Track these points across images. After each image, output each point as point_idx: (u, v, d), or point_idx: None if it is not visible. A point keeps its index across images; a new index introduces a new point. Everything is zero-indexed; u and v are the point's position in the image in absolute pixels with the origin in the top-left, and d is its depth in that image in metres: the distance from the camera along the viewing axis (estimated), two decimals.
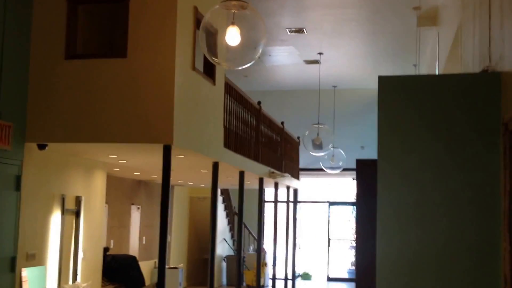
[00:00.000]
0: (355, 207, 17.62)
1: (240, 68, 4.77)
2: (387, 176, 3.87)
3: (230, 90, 9.14)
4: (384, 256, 3.81)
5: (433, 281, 3.71)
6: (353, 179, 16.17)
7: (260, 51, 4.48)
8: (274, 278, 12.85)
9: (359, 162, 4.85)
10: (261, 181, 11.46)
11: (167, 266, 6.46)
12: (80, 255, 7.74)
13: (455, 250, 3.70)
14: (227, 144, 8.79)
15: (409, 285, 3.75)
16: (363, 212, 4.83)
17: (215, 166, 8.42)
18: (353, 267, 17.37)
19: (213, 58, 4.61)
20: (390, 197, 3.84)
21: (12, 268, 6.43)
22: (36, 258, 6.87)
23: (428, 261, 3.74)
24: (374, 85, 16.12)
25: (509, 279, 3.32)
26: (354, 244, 17.53)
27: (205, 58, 7.79)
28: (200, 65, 7.56)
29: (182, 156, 7.52)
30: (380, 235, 3.83)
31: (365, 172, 4.83)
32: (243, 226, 10.51)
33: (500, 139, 3.65)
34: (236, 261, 14.89)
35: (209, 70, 7.92)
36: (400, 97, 3.96)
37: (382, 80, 3.95)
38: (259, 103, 11.25)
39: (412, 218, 3.81)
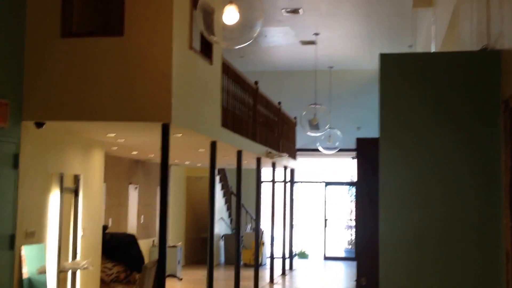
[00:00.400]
0: (354, 186, 17.81)
1: (238, 46, 4.77)
2: (388, 155, 3.89)
3: (227, 70, 9.12)
4: (386, 234, 3.85)
5: (436, 258, 3.75)
6: (353, 158, 16.24)
7: (258, 30, 4.48)
8: (272, 257, 12.95)
9: (359, 141, 4.86)
10: (258, 160, 11.49)
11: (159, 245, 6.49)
12: (79, 233, 7.77)
13: (457, 227, 3.74)
14: (225, 124, 8.79)
15: (412, 262, 3.79)
16: (363, 190, 4.86)
17: (213, 145, 8.44)
18: (350, 246, 17.54)
19: (211, 36, 4.61)
20: (392, 176, 3.87)
21: (12, 245, 6.46)
22: (36, 236, 6.90)
23: (430, 239, 3.78)
24: (369, 66, 16.23)
25: (511, 255, 3.36)
26: (351, 223, 17.68)
27: (202, 37, 7.77)
28: (197, 45, 7.53)
29: (180, 135, 7.53)
30: (382, 214, 3.86)
31: (365, 150, 4.84)
32: (241, 205, 10.56)
33: (500, 116, 3.66)
34: (234, 240, 15.03)
35: (206, 50, 7.89)
36: (401, 75, 3.97)
37: (383, 58, 3.95)
38: (256, 83, 11.23)
39: (414, 196, 3.84)
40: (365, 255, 4.89)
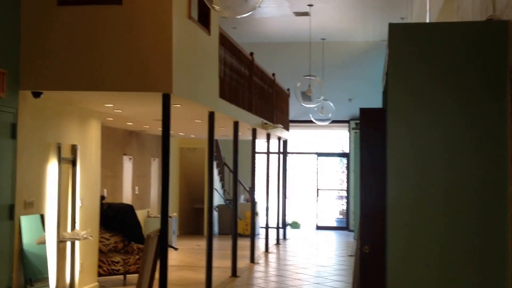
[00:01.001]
0: (343, 158, 17.95)
1: (240, 16, 4.73)
2: (396, 125, 3.92)
3: (224, 41, 9.07)
4: (394, 202, 3.90)
5: (442, 223, 3.82)
6: (354, 128, 16.31)
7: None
8: (267, 227, 13.09)
9: (363, 111, 4.87)
10: (254, 132, 11.51)
11: (160, 215, 6.51)
12: (78, 203, 7.79)
13: (462, 194, 3.80)
14: (222, 95, 8.78)
15: (418, 228, 3.87)
16: (366, 161, 4.89)
17: (211, 116, 8.43)
18: (341, 216, 17.76)
19: (213, 6, 4.56)
20: (400, 145, 3.91)
21: (11, 215, 6.46)
22: (35, 206, 6.90)
23: (436, 205, 3.84)
24: (362, 38, 16.22)
25: None
26: (342, 194, 17.87)
27: (199, 7, 7.70)
28: (195, 14, 7.47)
29: (179, 105, 7.51)
30: (390, 182, 3.91)
31: (369, 121, 4.86)
32: (237, 176, 10.62)
33: (507, 86, 3.70)
34: (227, 210, 15.14)
35: (204, 20, 7.82)
36: (409, 45, 3.97)
37: (392, 27, 3.94)
38: (251, 54, 11.20)
39: (421, 164, 3.89)
40: (368, 224, 4.95)
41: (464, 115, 3.85)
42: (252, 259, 11.29)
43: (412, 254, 3.86)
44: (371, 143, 4.82)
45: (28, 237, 6.73)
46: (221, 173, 16.92)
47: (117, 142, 11.74)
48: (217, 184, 16.65)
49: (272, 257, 12.44)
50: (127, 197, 12.13)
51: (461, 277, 3.79)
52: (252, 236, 11.51)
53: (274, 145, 14.82)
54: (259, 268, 10.98)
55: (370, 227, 4.80)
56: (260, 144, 14.76)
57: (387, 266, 3.92)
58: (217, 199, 16.44)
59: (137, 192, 12.74)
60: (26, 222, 6.70)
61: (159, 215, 6.84)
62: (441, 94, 3.88)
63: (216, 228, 16.02)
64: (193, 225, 15.54)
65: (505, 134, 3.72)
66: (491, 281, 3.72)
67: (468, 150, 3.83)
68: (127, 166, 12.26)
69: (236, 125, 10.01)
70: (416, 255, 3.85)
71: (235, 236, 10.09)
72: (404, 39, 3.99)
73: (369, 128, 4.87)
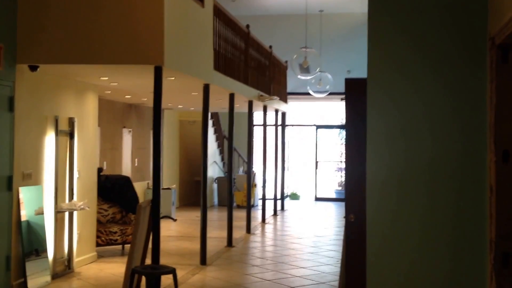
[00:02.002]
0: (342, 130, 18.02)
1: None
2: (376, 96, 4.00)
3: (219, 13, 9.11)
4: (374, 173, 4.00)
5: (421, 194, 3.91)
6: (342, 99, 16.31)
7: None
8: (264, 198, 13.26)
9: (348, 81, 4.95)
10: (250, 104, 11.60)
11: (152, 187, 6.67)
12: (76, 175, 7.94)
13: (443, 164, 3.88)
14: (217, 67, 8.85)
15: (398, 198, 3.96)
16: (351, 132, 4.98)
17: (206, 88, 8.53)
18: (340, 188, 17.91)
19: None
20: (379, 116, 3.98)
21: (9, 187, 6.62)
22: (33, 178, 7.05)
23: (416, 176, 3.92)
24: (360, 9, 16.11)
25: (494, 187, 3.53)
26: (341, 165, 17.98)
27: None
28: None
29: (173, 78, 7.60)
30: (369, 154, 4.01)
31: (354, 91, 4.94)
32: (233, 148, 10.75)
33: (487, 54, 3.75)
34: (226, 182, 15.29)
35: None
36: (389, 15, 4.03)
37: None
38: (247, 26, 11.23)
39: (400, 135, 3.96)
40: (354, 194, 5.07)
41: (444, 83, 3.92)
42: (248, 230, 11.48)
43: (391, 224, 3.97)
44: (355, 114, 4.92)
45: (29, 208, 6.91)
46: (220, 146, 17.06)
47: (116, 115, 11.86)
48: (216, 157, 16.80)
49: (268, 227, 12.64)
50: (126, 170, 12.29)
51: (439, 246, 3.89)
52: (248, 207, 11.69)
53: (273, 117, 14.92)
54: (255, 238, 11.18)
55: (355, 197, 4.93)
56: (259, 116, 14.86)
57: (367, 234, 4.05)
58: (217, 172, 16.62)
59: (136, 165, 12.90)
60: (26, 193, 6.86)
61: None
62: (421, 63, 3.95)
63: (215, 200, 16.23)
64: (194, 197, 15.74)
65: (484, 101, 3.80)
66: (469, 247, 3.83)
67: (449, 118, 3.90)
68: (127, 139, 12.40)
69: (232, 97, 10.11)
70: (394, 223, 3.97)
71: (230, 207, 10.27)
72: (384, 9, 4.05)
73: (354, 99, 4.96)
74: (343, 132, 17.97)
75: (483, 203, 3.74)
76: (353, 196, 5.08)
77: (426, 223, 3.89)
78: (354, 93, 4.98)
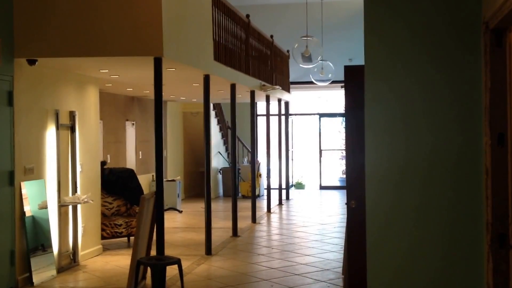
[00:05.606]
0: (344, 118, 17.98)
1: None
2: (373, 84, 3.98)
3: (218, 3, 9.07)
4: (372, 159, 3.99)
5: (419, 180, 3.91)
6: (342, 87, 16.26)
7: None
8: (268, 188, 13.26)
9: (347, 68, 4.92)
10: (252, 94, 11.57)
11: (164, 179, 6.67)
12: (78, 168, 7.95)
13: (440, 148, 3.88)
14: (217, 57, 8.82)
15: (396, 184, 3.96)
16: (351, 121, 4.96)
17: (206, 79, 8.50)
18: (344, 176, 17.89)
19: None
20: (377, 105, 3.97)
21: (11, 181, 6.63)
22: (35, 172, 7.06)
23: (414, 162, 3.92)
24: None
25: (490, 170, 3.55)
26: (344, 154, 17.96)
27: None
28: None
29: (173, 69, 7.58)
30: (368, 143, 4.00)
31: (353, 79, 4.90)
32: (236, 139, 10.74)
33: (481, 38, 3.74)
34: (231, 173, 15.30)
35: None
36: (384, 1, 4.00)
37: None
38: (247, 16, 11.17)
39: (397, 119, 3.95)
40: (355, 181, 5.06)
41: (440, 68, 3.91)
42: (254, 219, 11.50)
43: (389, 210, 3.97)
44: (354, 101, 4.89)
45: (33, 203, 6.92)
46: (224, 136, 17.05)
47: (119, 108, 11.86)
48: (221, 147, 16.80)
49: (274, 217, 12.65)
50: (131, 162, 12.31)
51: (437, 228, 3.90)
52: (253, 197, 11.70)
53: (276, 107, 14.88)
54: (260, 228, 11.19)
55: (356, 183, 4.92)
56: (262, 106, 14.83)
57: (367, 221, 4.05)
58: (221, 162, 16.62)
59: (140, 157, 12.92)
60: (29, 188, 6.88)
61: (164, 178, 6.98)
62: (417, 48, 3.93)
63: (220, 190, 16.25)
64: (199, 188, 15.76)
65: (480, 85, 3.79)
66: (466, 229, 3.84)
67: (445, 102, 3.90)
68: (130, 132, 12.41)
69: (233, 87, 10.08)
70: (393, 208, 3.96)
71: (234, 197, 10.28)
72: None
73: (353, 86, 4.93)
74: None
75: (479, 186, 3.75)
76: (354, 183, 5.07)
77: (424, 207, 3.90)
78: (354, 80, 4.95)
